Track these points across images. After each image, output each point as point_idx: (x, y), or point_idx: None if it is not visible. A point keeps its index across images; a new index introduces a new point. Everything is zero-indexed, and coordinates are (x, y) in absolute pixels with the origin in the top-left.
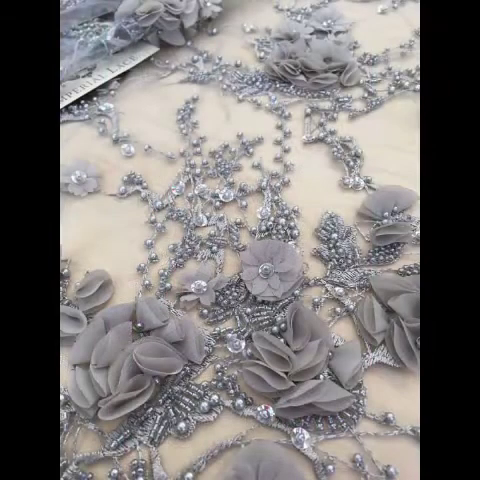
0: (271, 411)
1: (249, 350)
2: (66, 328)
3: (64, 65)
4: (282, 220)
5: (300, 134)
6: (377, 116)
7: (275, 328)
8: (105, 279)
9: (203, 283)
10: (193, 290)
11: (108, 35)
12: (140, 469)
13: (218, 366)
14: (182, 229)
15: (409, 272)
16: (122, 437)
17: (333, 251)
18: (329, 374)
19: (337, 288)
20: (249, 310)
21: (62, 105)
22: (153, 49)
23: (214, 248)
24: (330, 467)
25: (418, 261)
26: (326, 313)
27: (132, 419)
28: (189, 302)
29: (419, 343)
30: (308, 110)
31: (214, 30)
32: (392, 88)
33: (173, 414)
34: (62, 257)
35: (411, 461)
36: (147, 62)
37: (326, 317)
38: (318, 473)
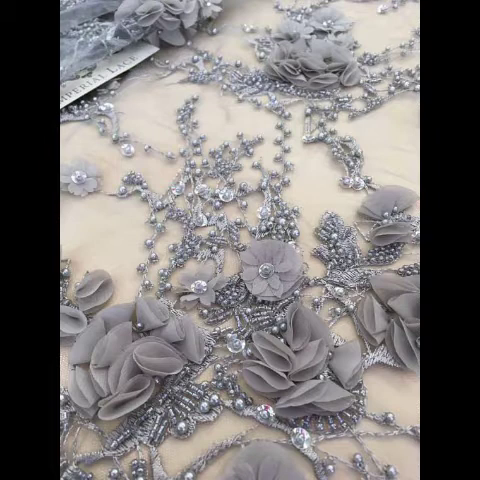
0: (271, 411)
1: (249, 350)
2: (66, 328)
3: (64, 65)
4: (282, 220)
5: (300, 134)
6: (377, 116)
7: (275, 328)
8: (105, 279)
9: (203, 283)
10: (193, 290)
11: (108, 35)
12: (140, 469)
13: (218, 366)
14: (182, 229)
15: (409, 272)
16: (122, 437)
17: (333, 251)
18: (329, 374)
19: (337, 288)
20: (249, 310)
21: (62, 105)
22: (153, 49)
23: (214, 248)
24: (330, 467)
25: (418, 261)
26: (326, 313)
27: (132, 419)
28: (189, 302)
29: (419, 343)
30: (308, 110)
31: (214, 30)
32: (392, 88)
33: (173, 414)
34: (62, 257)
35: (411, 461)
36: (147, 62)
37: (326, 317)
38: (318, 473)
